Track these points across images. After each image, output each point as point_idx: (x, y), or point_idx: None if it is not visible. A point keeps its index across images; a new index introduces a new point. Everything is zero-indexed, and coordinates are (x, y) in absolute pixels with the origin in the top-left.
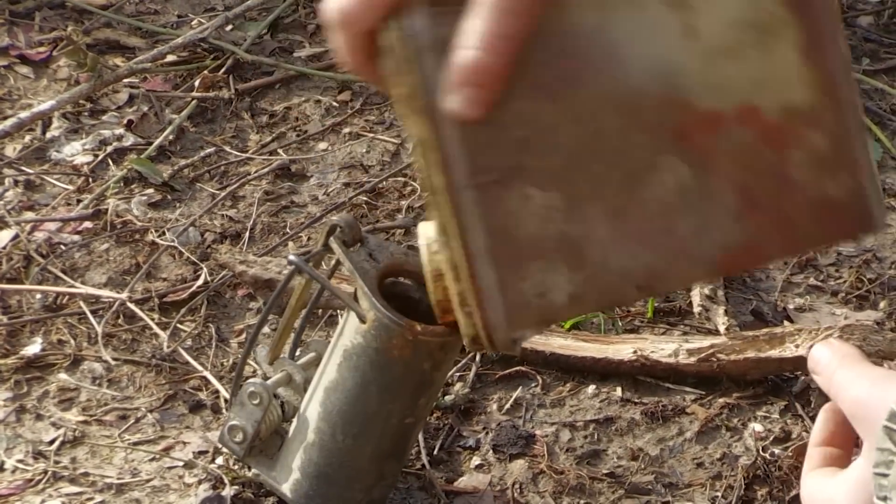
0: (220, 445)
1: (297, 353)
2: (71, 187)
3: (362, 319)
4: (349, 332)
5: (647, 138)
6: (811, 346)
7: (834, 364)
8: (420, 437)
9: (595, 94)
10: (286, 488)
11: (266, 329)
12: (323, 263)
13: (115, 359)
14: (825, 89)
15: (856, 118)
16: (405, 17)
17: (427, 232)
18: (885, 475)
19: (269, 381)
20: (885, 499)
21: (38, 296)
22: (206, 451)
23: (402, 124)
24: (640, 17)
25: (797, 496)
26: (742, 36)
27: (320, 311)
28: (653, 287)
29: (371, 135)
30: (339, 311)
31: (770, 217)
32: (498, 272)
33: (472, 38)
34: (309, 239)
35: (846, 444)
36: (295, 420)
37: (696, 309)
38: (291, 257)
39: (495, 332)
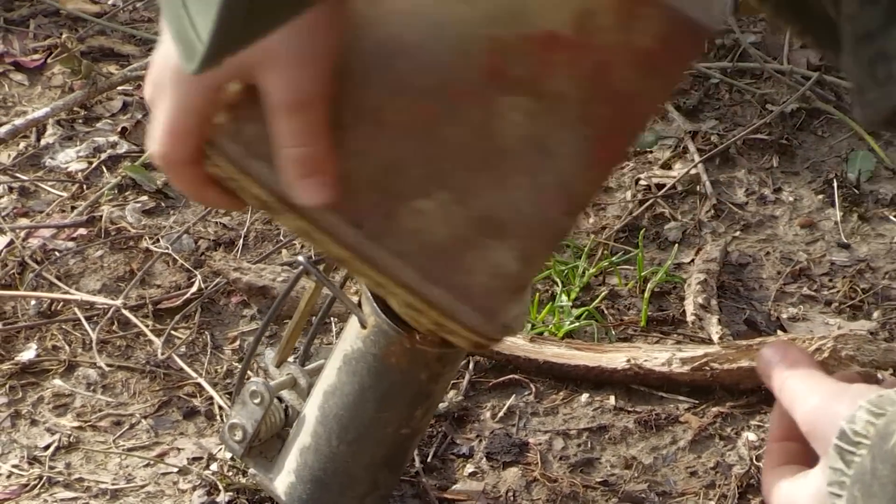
0: (214, 452)
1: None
2: (65, 194)
3: (363, 324)
4: (350, 336)
5: (473, 97)
6: (761, 348)
7: (784, 370)
8: None
9: (403, 91)
10: (281, 491)
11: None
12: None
13: (109, 365)
14: None
15: None
16: (213, 145)
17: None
18: (838, 496)
19: (272, 383)
20: None
21: (33, 302)
22: (201, 458)
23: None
24: (413, 9)
25: None
26: None
27: (335, 320)
28: (577, 205)
29: None
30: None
31: (612, 90)
32: (447, 285)
33: (286, 139)
34: (302, 246)
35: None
36: (295, 422)
37: (690, 318)
38: (300, 258)
39: (484, 330)
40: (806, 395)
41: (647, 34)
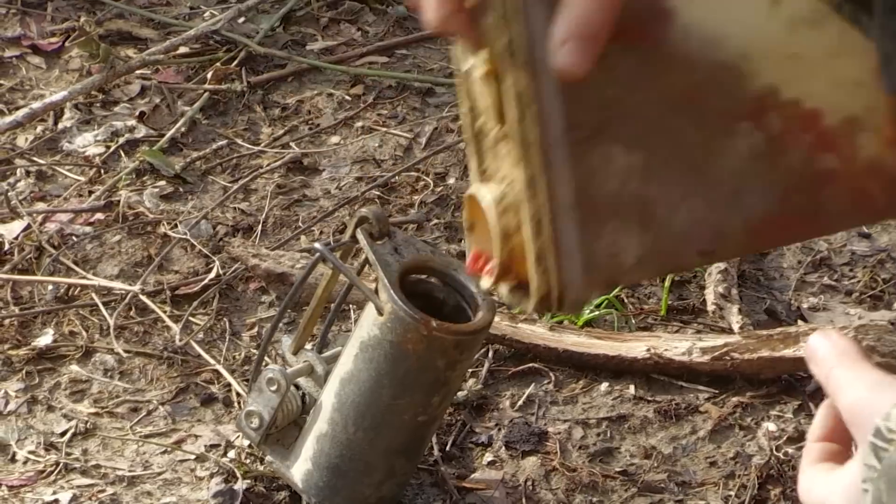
0: (232, 439)
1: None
2: (83, 178)
3: (380, 311)
4: (367, 323)
5: (729, 104)
6: (809, 336)
7: (832, 359)
8: None
9: (685, 58)
10: (298, 478)
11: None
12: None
13: (126, 351)
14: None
15: None
16: None
17: (485, 195)
18: (868, 490)
19: (288, 370)
20: None
21: (50, 287)
22: (218, 445)
23: (479, 83)
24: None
25: None
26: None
27: (352, 307)
28: (710, 257)
29: (384, 129)
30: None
31: (819, 198)
32: (579, 230)
33: None
34: (321, 233)
35: (846, 440)
36: (312, 410)
37: (710, 307)
38: (317, 245)
39: (568, 291)
40: (850, 385)
41: (886, 181)
